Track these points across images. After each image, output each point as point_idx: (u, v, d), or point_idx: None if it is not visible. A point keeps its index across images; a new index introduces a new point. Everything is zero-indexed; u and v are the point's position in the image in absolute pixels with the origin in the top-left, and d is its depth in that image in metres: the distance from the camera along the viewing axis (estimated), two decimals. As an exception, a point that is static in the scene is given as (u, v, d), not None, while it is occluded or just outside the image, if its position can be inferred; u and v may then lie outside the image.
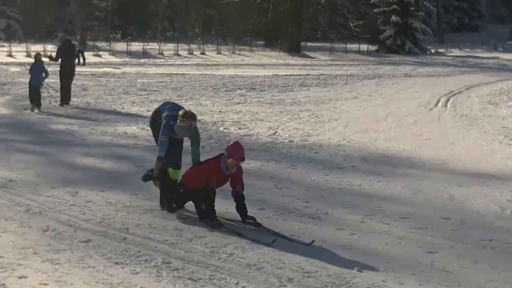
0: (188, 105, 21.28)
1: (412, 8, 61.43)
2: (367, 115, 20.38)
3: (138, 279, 7.02)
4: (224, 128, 17.12)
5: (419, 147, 15.29)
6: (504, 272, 7.51)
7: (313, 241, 8.01)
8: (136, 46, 51.87)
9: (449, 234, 8.88)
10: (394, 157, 14.21)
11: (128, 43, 51.27)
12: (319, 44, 65.92)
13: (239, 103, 22.64)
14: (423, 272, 7.45)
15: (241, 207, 8.99)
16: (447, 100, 24.62)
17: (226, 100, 23.28)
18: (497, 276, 7.40)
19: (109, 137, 15.81)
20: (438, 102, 24.11)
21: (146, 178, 10.14)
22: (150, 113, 19.31)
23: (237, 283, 6.97)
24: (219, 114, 19.77)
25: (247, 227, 8.83)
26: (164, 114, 9.63)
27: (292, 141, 15.69)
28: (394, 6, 60.69)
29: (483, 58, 56.03)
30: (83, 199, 10.17)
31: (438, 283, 7.16)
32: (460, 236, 8.83)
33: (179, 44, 52.00)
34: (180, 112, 9.42)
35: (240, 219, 9.03)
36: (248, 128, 17.38)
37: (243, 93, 25.67)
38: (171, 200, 9.43)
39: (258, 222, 8.78)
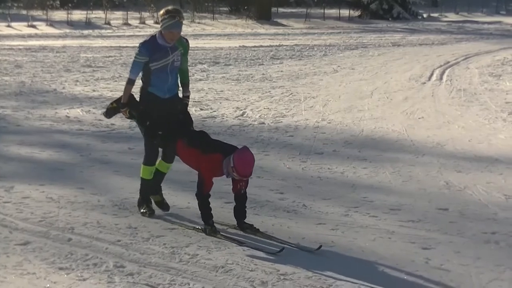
0: (140, 83, 21.22)
1: (400, -33, 61.68)
2: (349, 92, 20.50)
3: (86, 286, 7.02)
4: (183, 109, 17.10)
5: (411, 128, 15.41)
6: (510, 270, 7.61)
7: (320, 246, 7.92)
8: (78, 15, 51.72)
9: (446, 228, 8.97)
10: (382, 140, 14.32)
11: (69, 12, 50.95)
12: (293, 10, 66.18)
13: (200, 79, 22.67)
14: (417, 271, 7.52)
15: (240, 210, 8.71)
16: (442, 73, 24.81)
17: (185, 76, 23.21)
18: (501, 274, 7.50)
19: (48, 122, 15.75)
20: (431, 75, 24.29)
21: (110, 112, 9.64)
22: (96, 93, 19.49)
23: (202, 288, 7.02)
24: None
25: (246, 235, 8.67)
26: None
27: (263, 123, 15.74)
28: (380, -36, 60.90)
29: (483, 23, 56.53)
30: (20, 195, 10.12)
31: (434, 283, 7.24)
32: (459, 229, 8.92)
33: (128, 12, 51.99)
34: (161, 11, 9.03)
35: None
36: (211, 109, 17.40)
37: (205, 68, 25.71)
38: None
39: (256, 228, 8.60)
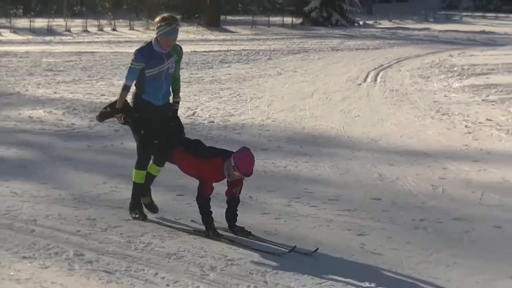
0: (99, 86, 21.17)
1: (338, -23, 61.99)
2: (292, 93, 20.55)
3: (48, 274, 6.98)
4: (139, 110, 17.03)
5: (348, 125, 15.51)
6: (436, 253, 7.70)
7: (317, 248, 7.68)
8: (40, 23, 51.15)
9: (379, 215, 9.06)
10: (321, 136, 14.39)
11: (31, 20, 50.40)
12: (240, 18, 66.08)
13: (154, 82, 22.52)
14: (353, 255, 7.58)
15: (231, 213, 8.32)
16: (377, 75, 24.99)
17: (141, 79, 23.12)
18: (429, 257, 7.58)
19: (12, 122, 15.58)
20: (367, 77, 24.47)
21: (103, 116, 9.04)
22: (57, 95, 19.33)
23: (156, 273, 6.99)
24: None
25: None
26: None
27: (212, 122, 15.74)
28: (319, -24, 61.14)
29: (414, 29, 57.06)
30: (-15, 190, 10.02)
31: (369, 267, 7.31)
32: (391, 217, 9.02)
33: (87, 20, 51.58)
34: (157, 18, 8.52)
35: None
36: (165, 109, 17.33)
37: (159, 71, 25.53)
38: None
39: (247, 231, 8.26)
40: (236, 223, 8.31)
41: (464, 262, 7.46)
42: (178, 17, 8.75)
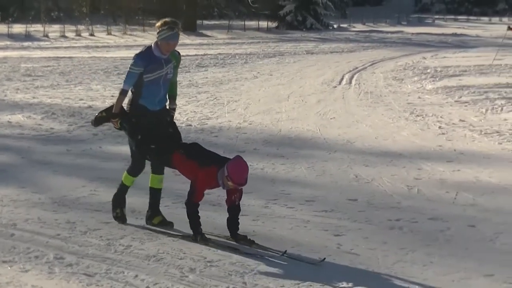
0: (77, 90, 21.08)
1: (312, -18, 62.22)
2: (268, 96, 20.57)
3: (29, 277, 6.94)
4: (117, 114, 16.98)
5: (323, 127, 15.54)
6: (412, 252, 7.72)
7: (324, 258, 7.47)
8: (18, 28, 50.90)
9: (355, 216, 9.07)
10: (298, 138, 14.41)
11: (9, 25, 50.15)
12: (216, 22, 66.03)
13: (132, 86, 22.47)
14: (330, 256, 7.57)
15: (233, 221, 8.07)
16: (351, 77, 25.06)
17: (119, 84, 22.97)
18: (404, 257, 7.60)
19: (-9, 127, 15.49)
20: (342, 79, 24.53)
21: (98, 121, 8.74)
22: (36, 100, 19.24)
23: (136, 276, 6.96)
24: (111, 99, 19.57)
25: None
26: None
27: (190, 125, 15.71)
28: (294, -20, 61.33)
29: (387, 32, 57.29)
30: (-35, 194, 9.95)
31: (345, 266, 7.31)
32: (367, 217, 9.03)
33: (65, 25, 51.41)
34: (158, 23, 8.34)
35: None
36: (142, 112, 17.28)
37: (137, 75, 25.47)
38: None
39: (250, 240, 8.02)
40: (238, 232, 8.10)
41: (439, 260, 7.49)
42: (179, 22, 8.55)
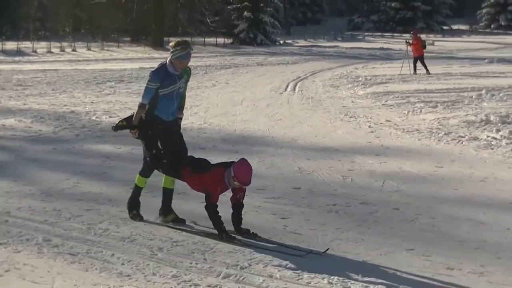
0: (62, 98, 20.88)
1: (262, 4, 62.67)
2: (225, 101, 20.56)
3: (21, 257, 6.88)
4: (96, 117, 16.88)
5: (272, 127, 15.57)
6: (346, 232, 7.77)
7: (328, 249, 7.19)
8: (10, 45, 50.40)
9: (299, 202, 9.11)
10: (250, 137, 14.42)
11: (3, 43, 49.59)
12: (180, 38, 65.64)
13: (109, 94, 22.35)
14: (277, 235, 7.62)
15: (237, 217, 7.79)
16: (295, 85, 25.14)
17: (97, 92, 22.93)
18: (340, 235, 7.65)
19: (-13, 130, 15.27)
20: (287, 87, 24.59)
21: (118, 127, 8.43)
22: (26, 106, 19.01)
23: (112, 254, 6.93)
24: (91, 104, 19.46)
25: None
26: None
27: (158, 127, 15.60)
28: (246, 3, 61.74)
29: (325, 47, 57.46)
30: (-36, 187, 9.80)
31: (290, 244, 7.34)
32: (309, 203, 9.07)
33: (51, 43, 51.04)
34: (172, 43, 8.04)
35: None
36: (118, 116, 17.11)
37: (113, 85, 25.35)
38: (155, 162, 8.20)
39: (253, 233, 7.67)
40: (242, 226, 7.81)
41: (369, 238, 7.55)
42: (189, 39, 8.15)
